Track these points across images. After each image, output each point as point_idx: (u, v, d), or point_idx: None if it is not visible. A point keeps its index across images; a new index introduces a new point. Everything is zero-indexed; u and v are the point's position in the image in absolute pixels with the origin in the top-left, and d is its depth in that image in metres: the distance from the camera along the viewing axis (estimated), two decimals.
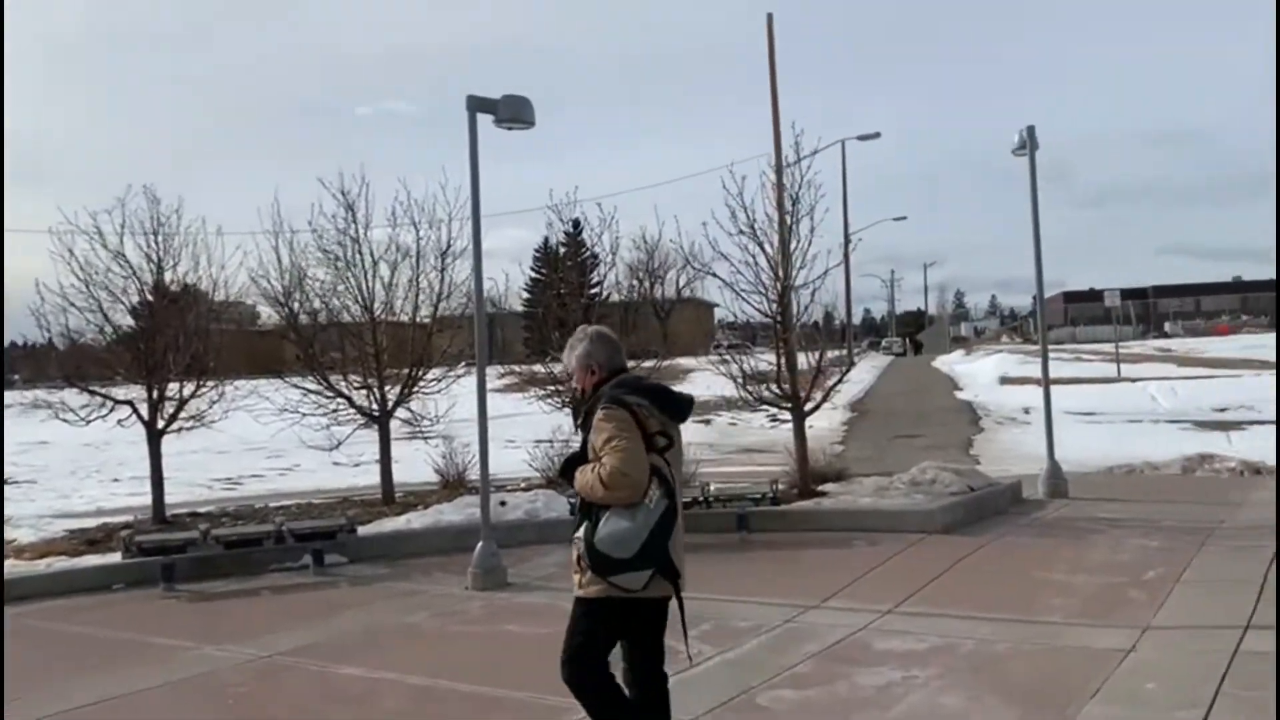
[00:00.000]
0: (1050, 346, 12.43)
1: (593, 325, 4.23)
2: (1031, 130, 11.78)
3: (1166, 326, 74.25)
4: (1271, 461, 14.83)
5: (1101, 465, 15.21)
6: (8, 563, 8.98)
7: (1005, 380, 31.99)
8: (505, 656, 6.38)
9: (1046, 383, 12.08)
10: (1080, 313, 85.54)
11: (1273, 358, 36.43)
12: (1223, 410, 24.50)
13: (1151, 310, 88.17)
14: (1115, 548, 8.60)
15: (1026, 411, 24.71)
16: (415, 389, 12.44)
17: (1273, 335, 53.95)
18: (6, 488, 14.29)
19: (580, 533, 3.66)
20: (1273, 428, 21.50)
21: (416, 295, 12.51)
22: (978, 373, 35.92)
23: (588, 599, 3.68)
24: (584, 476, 3.63)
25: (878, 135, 42.51)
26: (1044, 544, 9.00)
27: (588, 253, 14.84)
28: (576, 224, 14.42)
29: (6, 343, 11.39)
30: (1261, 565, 7.50)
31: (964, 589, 7.43)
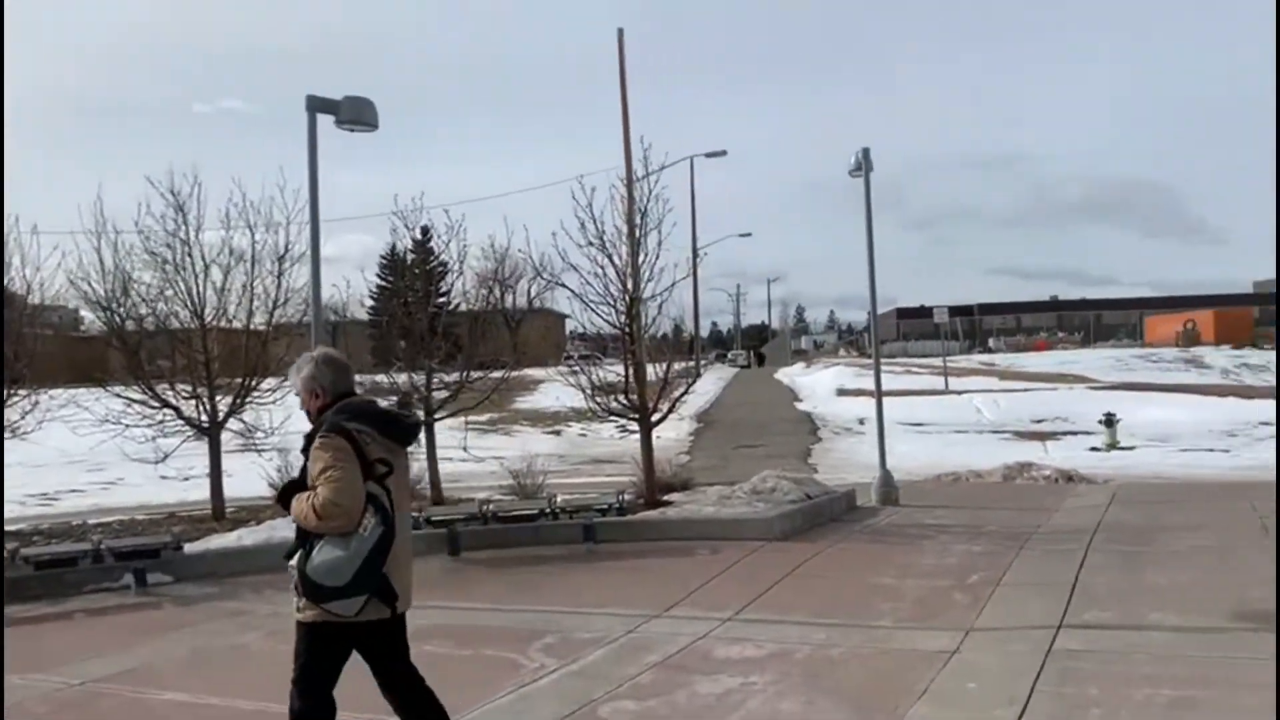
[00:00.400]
0: (884, 360, 13.00)
1: (320, 348, 4.23)
2: (866, 152, 12.28)
3: (990, 342, 78.28)
4: (1083, 469, 15.89)
5: (930, 473, 15.97)
6: None
7: (842, 392, 33.15)
8: (342, 676, 6.16)
9: (879, 395, 12.59)
10: (912, 328, 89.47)
11: (1082, 373, 39.07)
12: (1040, 421, 26.08)
13: (977, 326, 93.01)
14: (942, 552, 9.00)
15: (861, 422, 25.70)
16: (249, 399, 11.94)
17: (1085, 351, 57.82)
18: None
19: (295, 560, 3.71)
20: (1083, 437, 23.04)
21: (251, 301, 12.03)
22: (817, 385, 37.10)
23: (305, 623, 3.75)
24: (299, 505, 3.69)
25: (724, 153, 43.58)
26: (876, 550, 9.34)
27: (436, 261, 14.60)
28: (425, 231, 14.17)
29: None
30: (1073, 567, 8.00)
31: (801, 595, 7.63)
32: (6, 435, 10.82)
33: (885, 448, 12.36)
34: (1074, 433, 23.75)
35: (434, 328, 12.46)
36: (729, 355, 79.35)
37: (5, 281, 11.19)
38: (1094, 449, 21.02)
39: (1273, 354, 47.64)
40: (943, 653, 5.97)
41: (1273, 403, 27.35)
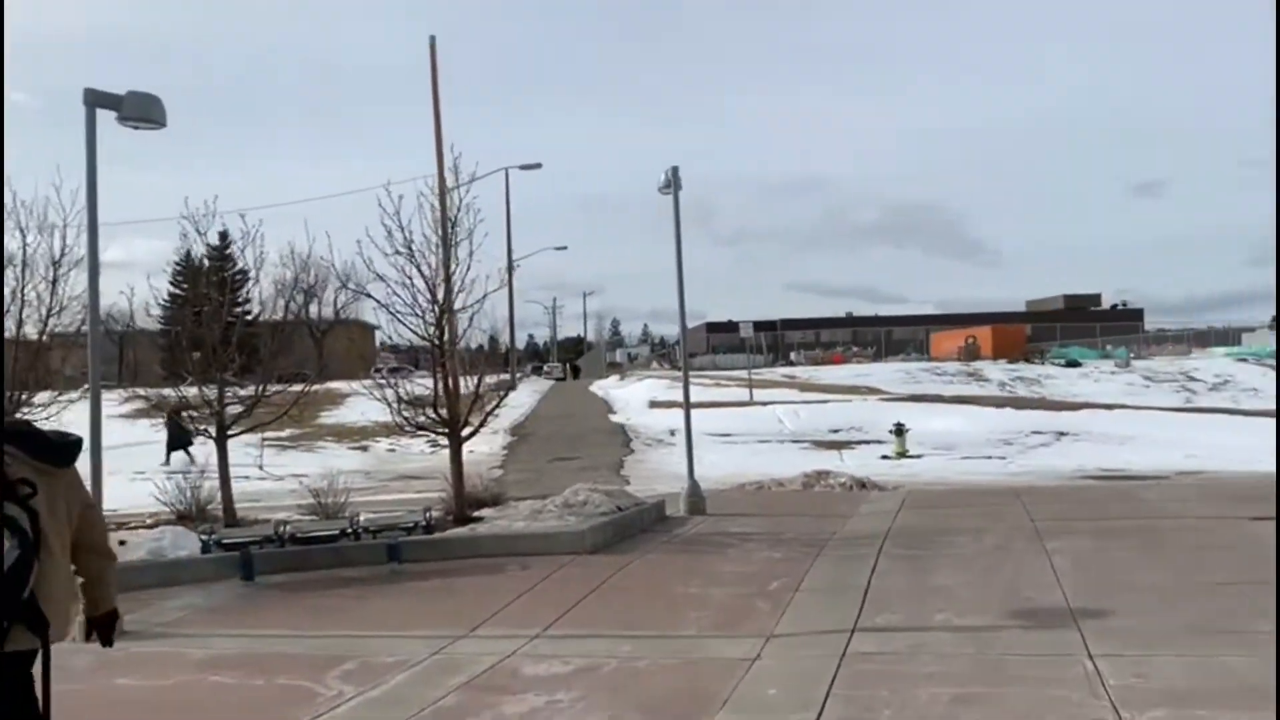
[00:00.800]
0: (693, 373, 13.32)
1: None
2: (675, 171, 12.54)
3: (792, 356, 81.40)
4: (876, 477, 16.72)
5: (735, 482, 16.41)
6: None
7: (654, 404, 33.68)
8: (117, 714, 5.73)
9: (688, 407, 12.84)
10: (721, 342, 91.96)
11: (875, 385, 41.21)
12: (836, 431, 27.29)
13: (780, 341, 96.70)
14: (745, 560, 9.25)
15: (672, 433, 26.17)
16: (19, 413, 10.98)
17: (877, 365, 60.93)
18: None
19: None
20: (875, 446, 24.29)
21: (22, 309, 11.10)
22: (630, 397, 37.57)
23: None
24: None
25: (539, 166, 43.59)
26: (683, 560, 9.50)
27: (234, 268, 13.88)
28: (224, 236, 13.47)
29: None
30: (866, 571, 8.38)
31: (609, 608, 7.66)
32: None
33: (694, 458, 12.61)
34: (867, 442, 24.98)
35: (228, 338, 11.83)
36: (545, 368, 79.36)
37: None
38: (885, 457, 22.17)
39: (1042, 367, 51.74)
40: (745, 660, 6.12)
41: (1042, 413, 29.69)
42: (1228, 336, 77.49)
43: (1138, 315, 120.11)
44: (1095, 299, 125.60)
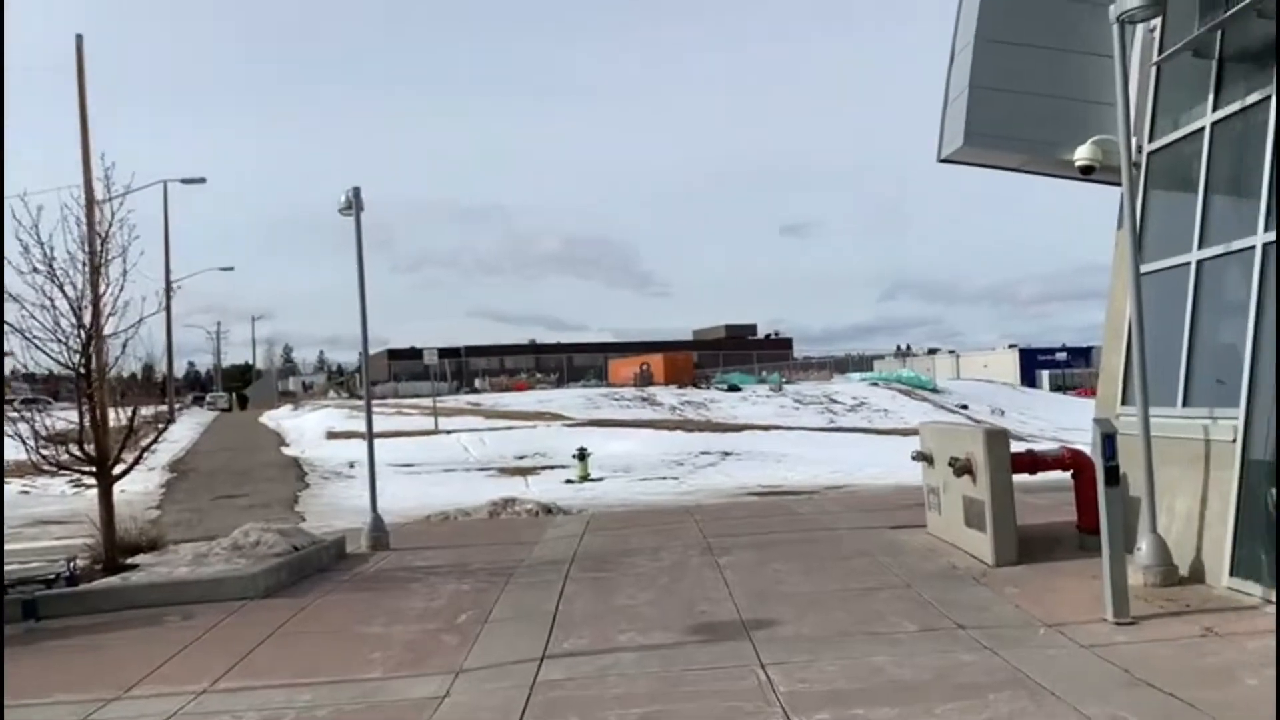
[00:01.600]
0: (375, 401, 12.89)
1: None
2: (357, 192, 12.15)
3: (476, 382, 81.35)
4: (561, 501, 16.99)
5: (420, 513, 16.06)
6: None
7: (332, 435, 32.33)
8: None
9: (370, 437, 12.42)
10: (403, 369, 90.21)
11: (558, 410, 41.99)
12: (522, 457, 27.51)
13: (464, 367, 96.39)
14: (431, 594, 9.05)
15: (352, 465, 25.20)
16: None
17: (559, 391, 62.09)
18: None
19: None
20: (560, 470, 24.72)
21: None
22: (305, 428, 35.80)
23: None
24: None
25: (203, 180, 40.73)
26: (365, 598, 9.14)
27: None
28: None
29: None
30: (554, 597, 8.47)
31: (286, 655, 7.21)
32: None
33: (376, 491, 12.20)
34: (552, 466, 25.38)
35: None
36: (208, 398, 73.88)
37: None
38: (569, 481, 22.62)
39: (708, 391, 54.98)
40: (433, 699, 5.97)
41: (709, 434, 31.57)
42: (862, 364, 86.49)
43: (788, 344, 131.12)
44: (752, 329, 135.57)
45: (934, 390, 57.06)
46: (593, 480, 22.58)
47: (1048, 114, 9.60)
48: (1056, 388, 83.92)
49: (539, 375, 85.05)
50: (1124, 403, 9.14)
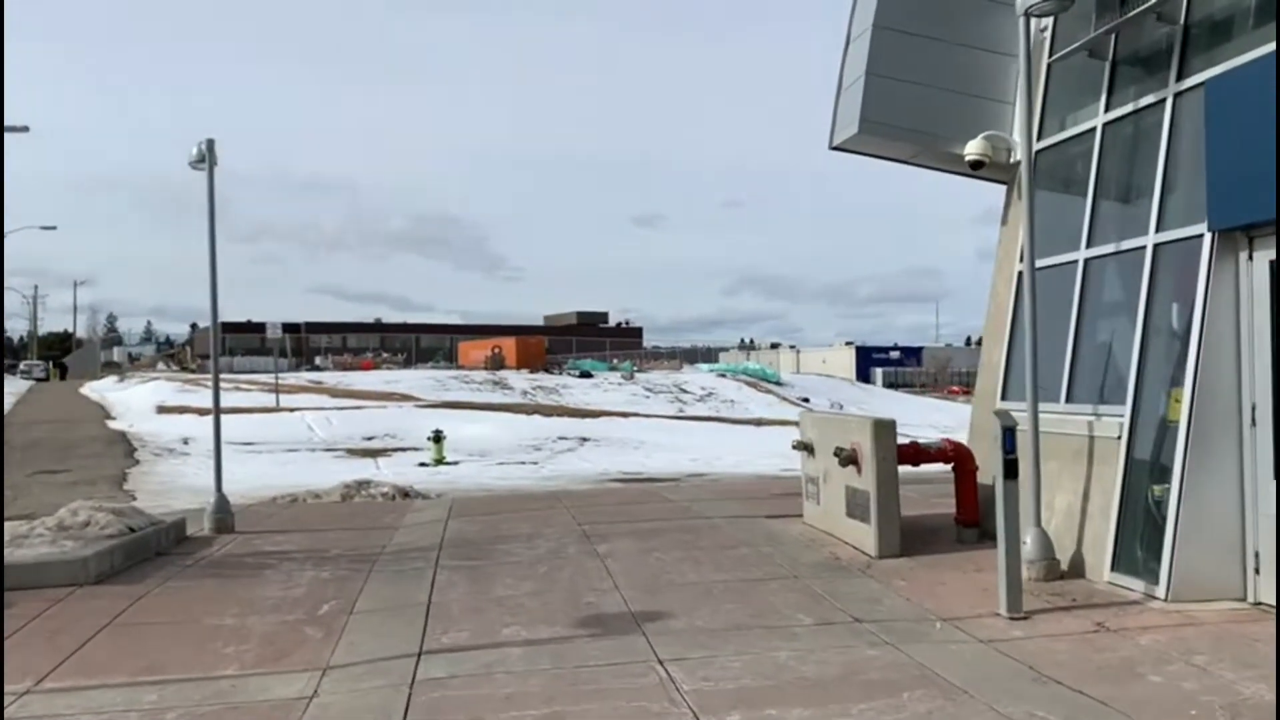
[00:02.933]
0: (208, 375, 11.90)
1: None
2: (211, 144, 11.18)
3: (317, 360, 78.47)
4: (418, 485, 16.28)
5: (265, 495, 15.07)
6: None
7: (163, 409, 30.36)
8: None
9: (218, 410, 11.45)
10: (239, 343, 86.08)
11: (407, 391, 40.77)
12: (371, 438, 26.46)
13: (305, 344, 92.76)
14: (288, 582, 8.34)
15: (186, 442, 23.67)
16: None
17: (407, 372, 60.56)
18: None
19: None
20: (413, 453, 23.85)
21: None
22: (132, 401, 33.52)
23: None
24: None
25: (26, 129, 37.37)
26: (214, 585, 8.34)
27: None
28: None
29: None
30: (425, 587, 7.91)
31: (125, 650, 6.43)
32: None
33: (222, 469, 11.27)
34: (404, 449, 24.47)
35: None
36: (22, 365, 68.67)
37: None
38: (423, 464, 21.82)
39: (560, 377, 54.65)
40: (299, 699, 5.39)
41: (566, 420, 31.17)
42: (708, 355, 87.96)
43: (638, 333, 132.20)
44: (603, 316, 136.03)
45: (778, 383, 58.42)
46: (448, 464, 21.85)
47: (941, 107, 9.59)
48: (889, 384, 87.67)
49: (385, 355, 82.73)
50: (1004, 397, 9.23)
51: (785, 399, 51.23)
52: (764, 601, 7.19)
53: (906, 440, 9.08)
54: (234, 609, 7.44)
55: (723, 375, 57.55)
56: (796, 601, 7.17)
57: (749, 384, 54.90)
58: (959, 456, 8.96)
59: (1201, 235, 6.88)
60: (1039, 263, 8.99)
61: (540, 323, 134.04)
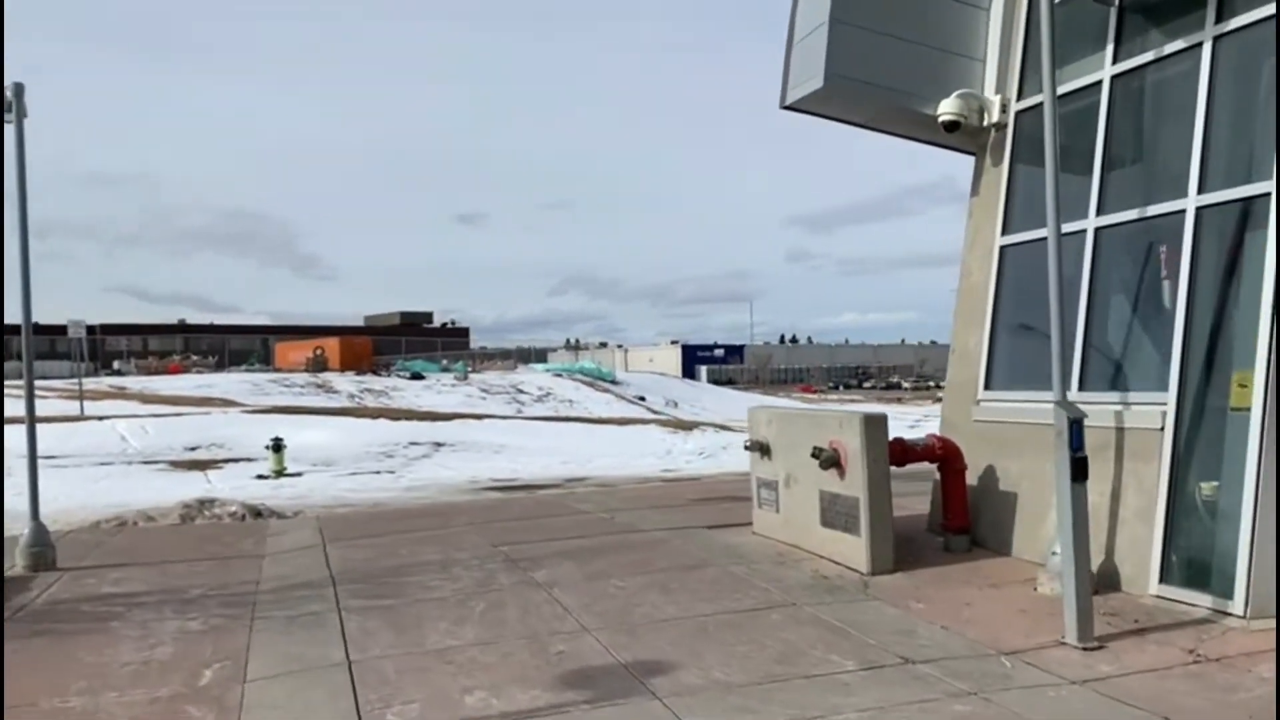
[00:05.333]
0: None
1: None
2: (19, 89, 8.93)
3: (116, 364, 72.28)
4: (269, 502, 14.14)
5: (81, 518, 12.65)
6: None
7: None
8: None
9: (32, 420, 9.16)
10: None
11: (226, 396, 37.47)
12: (195, 449, 23.66)
13: (100, 347, 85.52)
14: (147, 638, 6.42)
15: None
16: None
17: (220, 375, 56.35)
18: None
19: None
20: (246, 464, 21.34)
21: None
22: None
23: None
24: None
25: None
26: (44, 648, 6.31)
27: None
28: None
29: None
30: (336, 638, 6.20)
31: None
32: None
33: (37, 493, 9.03)
34: (235, 459, 21.91)
35: None
36: None
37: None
38: (262, 476, 19.45)
39: (389, 379, 52.08)
40: None
41: (416, 424, 29.01)
42: (537, 356, 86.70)
43: (465, 333, 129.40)
44: (428, 316, 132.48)
45: (614, 382, 57.78)
46: (291, 475, 19.54)
47: (910, 61, 8.54)
48: (714, 381, 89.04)
49: (195, 357, 77.17)
50: (989, 387, 8.27)
51: (623, 397, 50.56)
52: (778, 640, 5.87)
53: (891, 437, 7.94)
54: (79, 682, 5.53)
55: (559, 375, 56.31)
56: (817, 637, 5.88)
57: (586, 383, 53.97)
58: (947, 454, 7.91)
59: (1268, 194, 6.01)
60: (1023, 236, 8.08)
61: (361, 323, 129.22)
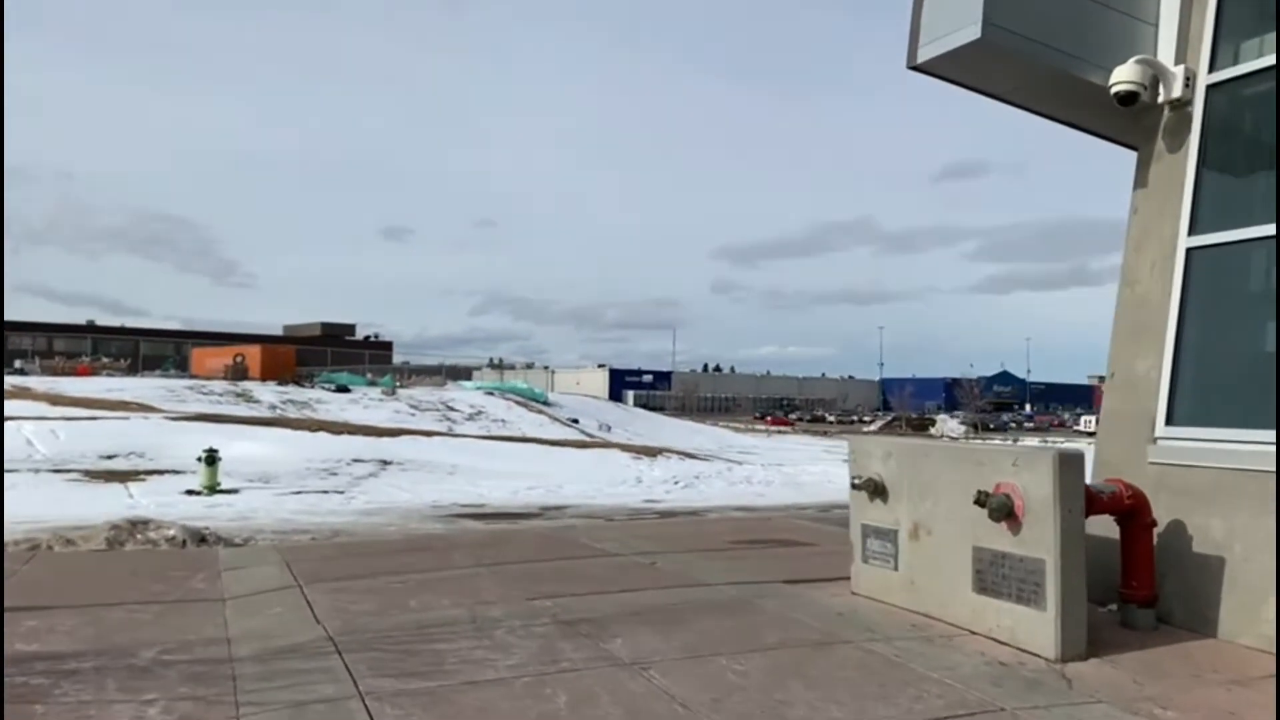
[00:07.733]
0: None
1: None
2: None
3: (19, 363, 68.08)
4: (211, 525, 11.98)
5: None
6: None
7: None
8: None
9: None
10: None
11: (139, 400, 34.62)
12: (112, 457, 21.15)
13: (1, 345, 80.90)
14: None
15: None
16: None
17: (133, 379, 53.03)
18: None
19: None
20: (172, 477, 18.92)
21: None
22: None
23: None
24: None
25: None
26: None
27: None
28: None
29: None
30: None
31: None
32: None
33: None
34: (159, 471, 19.51)
35: None
36: None
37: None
38: (192, 492, 17.14)
39: (313, 391, 49.55)
40: None
41: (358, 439, 26.67)
42: (462, 373, 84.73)
43: (388, 347, 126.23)
44: (350, 329, 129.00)
45: (546, 403, 56.17)
46: (225, 491, 17.26)
47: (1073, 17, 6.99)
48: (642, 405, 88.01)
49: (105, 360, 73.11)
50: (1171, 422, 6.67)
51: (556, 419, 49.02)
52: None
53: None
54: None
55: (490, 394, 54.42)
56: None
57: (519, 403, 52.29)
58: (1136, 505, 6.25)
59: None
60: (1220, 237, 6.53)
61: (281, 333, 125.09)
